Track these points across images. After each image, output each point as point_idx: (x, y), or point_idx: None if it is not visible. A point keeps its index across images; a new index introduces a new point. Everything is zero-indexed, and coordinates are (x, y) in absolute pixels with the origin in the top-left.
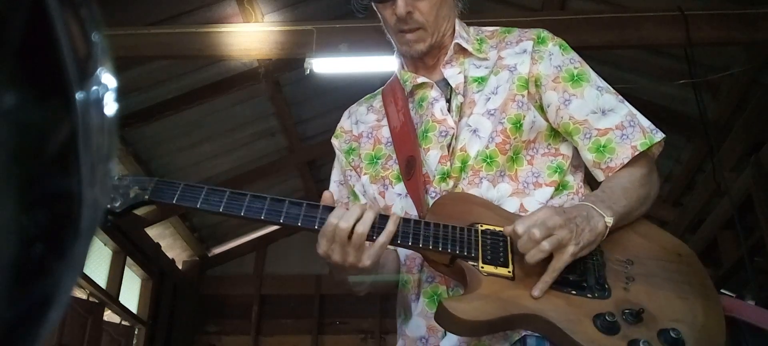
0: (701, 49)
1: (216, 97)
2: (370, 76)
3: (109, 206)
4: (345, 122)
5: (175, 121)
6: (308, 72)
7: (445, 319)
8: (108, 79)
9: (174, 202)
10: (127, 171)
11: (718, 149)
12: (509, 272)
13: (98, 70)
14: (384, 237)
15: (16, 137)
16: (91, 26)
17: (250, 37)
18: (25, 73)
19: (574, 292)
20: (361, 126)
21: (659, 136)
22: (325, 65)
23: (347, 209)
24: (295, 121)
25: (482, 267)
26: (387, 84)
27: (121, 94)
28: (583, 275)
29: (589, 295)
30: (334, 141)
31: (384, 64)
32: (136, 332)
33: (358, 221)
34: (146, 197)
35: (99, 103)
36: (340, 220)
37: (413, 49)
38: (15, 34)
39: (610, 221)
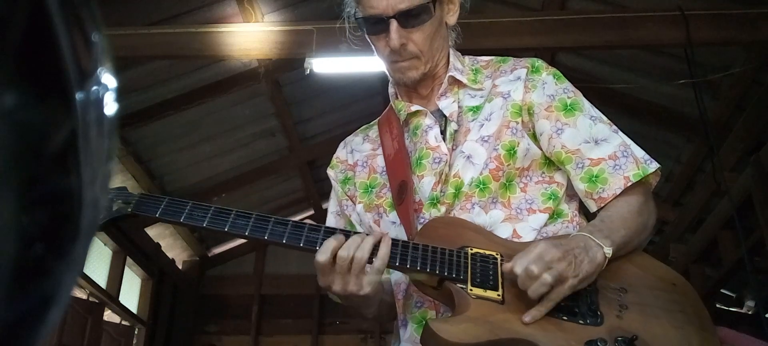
0: (701, 49)
1: (216, 97)
2: (370, 76)
3: None
4: (340, 152)
5: (175, 121)
6: (308, 72)
7: (430, 340)
8: (108, 79)
9: (157, 216)
10: (127, 171)
11: (718, 149)
12: (499, 295)
13: (98, 70)
14: (379, 262)
15: (16, 137)
16: (91, 26)
17: (250, 37)
18: (25, 73)
19: (565, 317)
20: (356, 155)
21: (653, 166)
22: (325, 65)
23: (344, 240)
24: (295, 121)
25: (471, 290)
26: (383, 114)
27: (121, 94)
28: (575, 300)
29: (581, 321)
30: (330, 172)
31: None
32: (136, 332)
33: (356, 249)
34: (129, 210)
35: (99, 103)
36: (338, 250)
37: (406, 76)
38: (15, 34)
39: (608, 251)
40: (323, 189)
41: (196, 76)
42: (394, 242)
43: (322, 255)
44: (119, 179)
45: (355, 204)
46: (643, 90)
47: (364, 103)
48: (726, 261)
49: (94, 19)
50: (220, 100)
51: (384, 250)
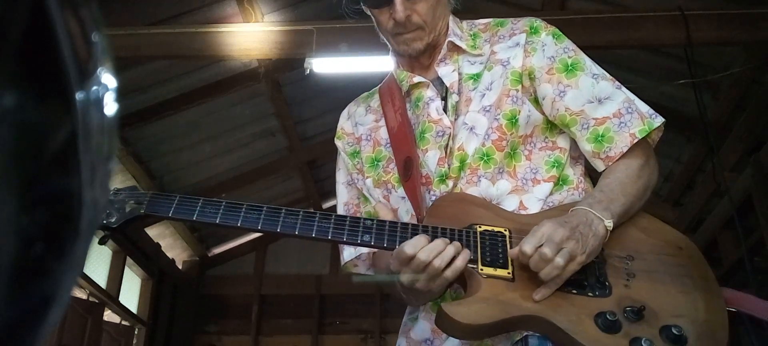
0: (701, 49)
1: (216, 97)
2: (370, 76)
3: (104, 221)
4: (345, 124)
5: (175, 121)
6: (308, 72)
7: (445, 323)
8: (108, 79)
9: (170, 215)
10: (128, 171)
11: (718, 149)
12: (509, 273)
13: (98, 70)
14: (450, 272)
15: (16, 137)
16: (91, 26)
17: (250, 37)
18: (25, 73)
19: (574, 291)
20: (361, 128)
21: (659, 120)
22: (325, 65)
23: (427, 241)
24: (295, 121)
25: (482, 269)
26: (383, 83)
27: (121, 94)
28: (583, 273)
29: (590, 293)
30: (338, 142)
31: (384, 64)
32: (136, 332)
33: (438, 255)
34: (142, 211)
35: (99, 103)
36: (419, 251)
37: (411, 48)
38: (15, 34)
39: (609, 224)
40: (323, 189)
41: (196, 76)
42: (404, 226)
43: (409, 249)
44: (119, 179)
45: (364, 177)
46: (643, 90)
47: None
48: (726, 261)
49: (94, 19)
50: (220, 100)
51: (459, 263)
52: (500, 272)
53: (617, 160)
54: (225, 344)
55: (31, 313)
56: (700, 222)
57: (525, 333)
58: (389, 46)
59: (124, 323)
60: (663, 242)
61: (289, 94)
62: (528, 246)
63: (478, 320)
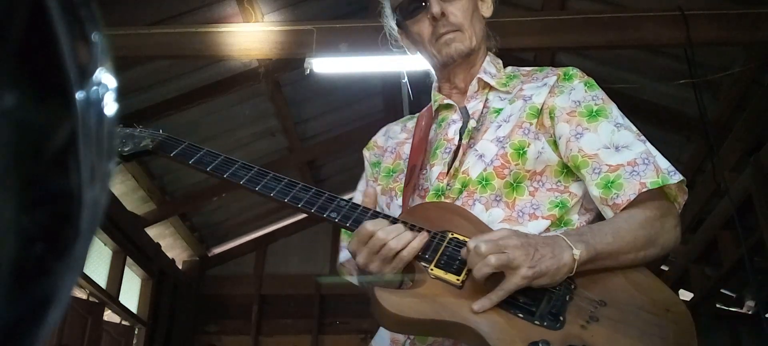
0: (701, 49)
1: (216, 97)
2: (370, 76)
3: (118, 149)
4: (379, 138)
5: (175, 121)
6: (308, 72)
7: (375, 308)
8: (108, 79)
9: (171, 156)
10: (128, 171)
11: (718, 149)
12: (458, 280)
13: (98, 70)
14: (406, 253)
15: (16, 137)
16: (91, 26)
17: (250, 37)
18: (25, 73)
19: (520, 315)
20: (390, 141)
21: (676, 177)
22: (325, 65)
23: (389, 223)
24: (295, 121)
25: (432, 269)
26: (424, 109)
27: (121, 94)
28: (535, 300)
29: (536, 322)
30: (366, 152)
31: (384, 64)
32: (136, 332)
33: (396, 236)
34: (150, 147)
35: (99, 103)
36: (378, 231)
37: (453, 48)
38: (15, 34)
39: (577, 253)
40: (323, 189)
41: (196, 76)
42: (375, 214)
43: (370, 225)
44: (119, 179)
45: (376, 184)
46: (643, 90)
47: (364, 103)
48: (726, 261)
49: (94, 19)
50: (220, 100)
51: (416, 243)
52: (450, 276)
53: (625, 208)
54: (225, 344)
55: (31, 313)
56: (700, 222)
57: None
58: (432, 63)
59: (124, 323)
60: (650, 300)
61: (289, 94)
62: (472, 241)
63: (405, 312)
